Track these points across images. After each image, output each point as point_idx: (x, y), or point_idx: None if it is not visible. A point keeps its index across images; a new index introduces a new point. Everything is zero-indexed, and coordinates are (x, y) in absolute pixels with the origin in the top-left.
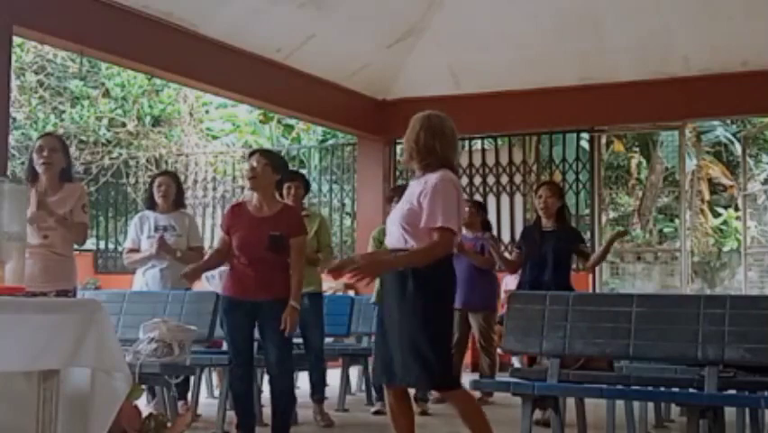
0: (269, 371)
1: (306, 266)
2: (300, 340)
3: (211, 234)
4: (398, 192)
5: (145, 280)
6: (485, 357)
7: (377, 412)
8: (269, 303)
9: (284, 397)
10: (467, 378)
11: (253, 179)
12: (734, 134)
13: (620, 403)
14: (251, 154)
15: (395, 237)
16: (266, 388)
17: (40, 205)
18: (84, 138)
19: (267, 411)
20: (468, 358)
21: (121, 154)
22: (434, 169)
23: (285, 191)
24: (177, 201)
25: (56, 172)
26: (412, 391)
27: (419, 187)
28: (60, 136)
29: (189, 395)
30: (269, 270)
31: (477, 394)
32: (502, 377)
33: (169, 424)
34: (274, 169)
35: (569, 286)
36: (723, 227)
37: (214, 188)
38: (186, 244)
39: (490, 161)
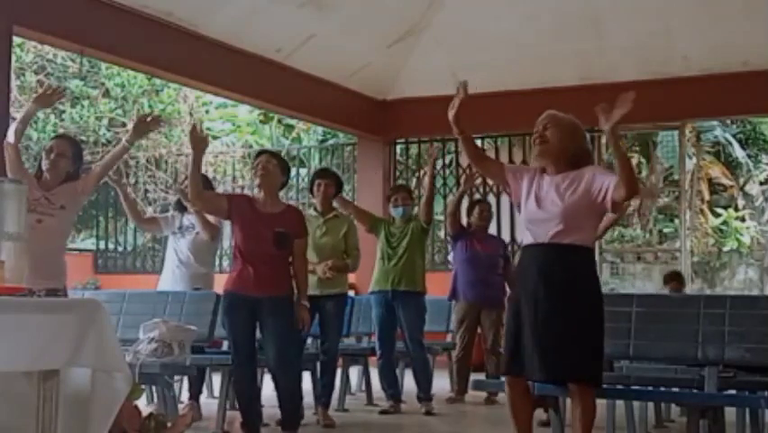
0: (269, 369)
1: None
2: (309, 340)
3: None
4: (399, 192)
5: (162, 280)
6: (492, 357)
7: (383, 412)
8: (268, 300)
9: (288, 394)
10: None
11: (264, 176)
12: (734, 135)
13: (620, 403)
14: (260, 154)
15: (550, 235)
16: (265, 387)
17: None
18: (84, 138)
19: (266, 411)
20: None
21: None
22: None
23: (315, 188)
24: None
25: (60, 175)
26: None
27: (570, 180)
28: (74, 140)
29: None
30: (269, 266)
31: (483, 394)
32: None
33: (169, 424)
34: (282, 170)
35: None
36: (723, 227)
37: (214, 188)
38: (206, 244)
39: None
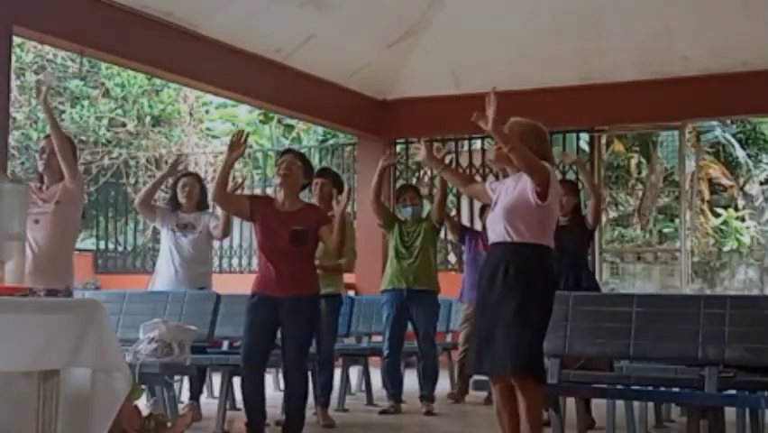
0: (286, 370)
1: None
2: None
3: None
4: (407, 192)
5: (161, 278)
6: None
7: (383, 412)
8: (290, 299)
9: (298, 397)
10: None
11: (286, 176)
12: (734, 135)
13: (620, 403)
14: (286, 153)
15: (498, 234)
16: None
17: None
18: (84, 138)
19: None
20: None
21: (121, 154)
22: None
23: (313, 187)
24: (200, 202)
25: (56, 174)
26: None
27: (515, 181)
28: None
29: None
30: (289, 265)
31: (483, 394)
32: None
33: (169, 424)
34: (305, 173)
35: (590, 278)
36: (723, 227)
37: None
38: (206, 243)
39: None
